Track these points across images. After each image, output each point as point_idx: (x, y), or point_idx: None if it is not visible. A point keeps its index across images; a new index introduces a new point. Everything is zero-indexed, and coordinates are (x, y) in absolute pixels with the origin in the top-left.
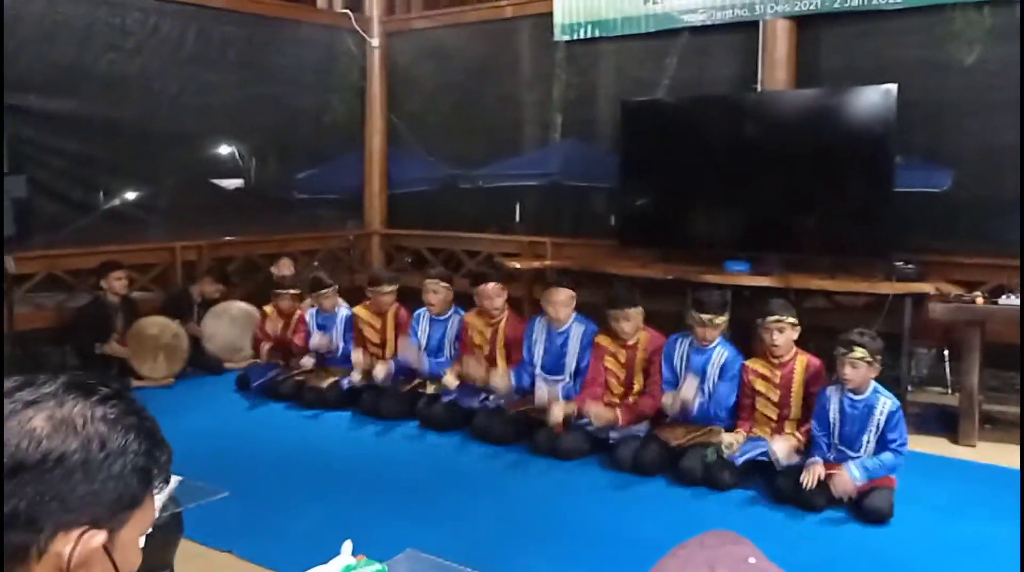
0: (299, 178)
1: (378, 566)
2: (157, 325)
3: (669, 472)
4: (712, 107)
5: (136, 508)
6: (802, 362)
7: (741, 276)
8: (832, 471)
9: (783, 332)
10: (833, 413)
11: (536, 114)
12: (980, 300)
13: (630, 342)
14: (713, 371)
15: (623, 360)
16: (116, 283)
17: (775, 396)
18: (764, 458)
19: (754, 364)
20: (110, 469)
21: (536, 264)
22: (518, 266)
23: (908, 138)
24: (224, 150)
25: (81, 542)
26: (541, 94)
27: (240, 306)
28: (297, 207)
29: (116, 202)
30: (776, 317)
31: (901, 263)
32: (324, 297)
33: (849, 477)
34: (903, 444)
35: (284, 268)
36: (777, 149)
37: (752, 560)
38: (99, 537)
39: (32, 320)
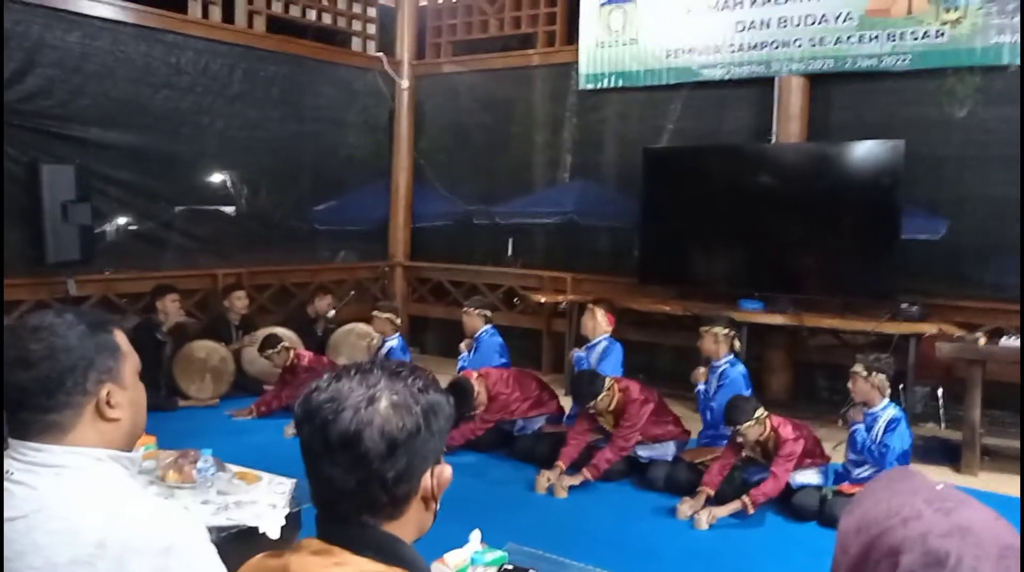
0: (329, 211)
1: (500, 553)
2: (205, 349)
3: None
4: (729, 156)
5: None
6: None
7: (755, 314)
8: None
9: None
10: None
11: (556, 156)
12: (983, 341)
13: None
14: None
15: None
16: (171, 305)
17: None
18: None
19: None
20: (439, 424)
21: (559, 298)
22: (543, 300)
23: (912, 189)
24: (264, 183)
25: (436, 474)
26: (562, 138)
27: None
28: (327, 238)
29: (164, 230)
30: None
31: (906, 305)
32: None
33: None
34: (886, 446)
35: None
36: (790, 196)
37: (940, 486)
38: (447, 469)
39: None
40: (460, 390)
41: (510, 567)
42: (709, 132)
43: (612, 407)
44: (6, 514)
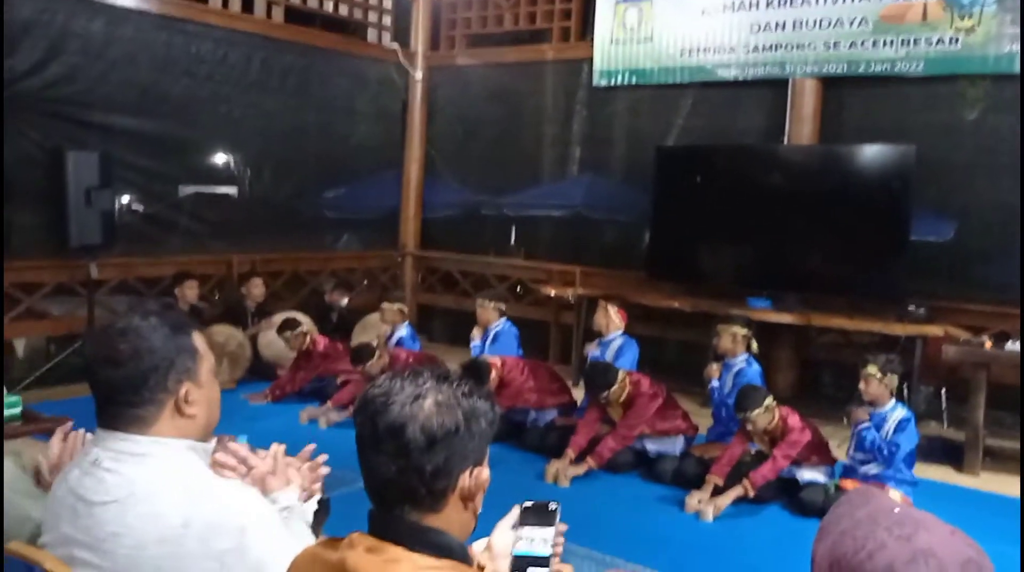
0: (340, 199)
1: None
2: (224, 333)
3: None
4: (741, 155)
5: (488, 445)
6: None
7: (763, 312)
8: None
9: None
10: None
11: (566, 150)
12: (988, 344)
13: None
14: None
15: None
16: (189, 292)
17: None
18: (785, 475)
19: None
20: (480, 427)
21: (569, 292)
22: (552, 293)
23: (922, 192)
24: (277, 170)
25: (474, 476)
26: (573, 132)
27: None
28: (338, 227)
29: (181, 216)
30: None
31: (913, 307)
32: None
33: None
34: (896, 445)
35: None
36: (801, 197)
37: (896, 509)
38: (486, 471)
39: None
40: (476, 369)
41: (530, 503)
42: (721, 131)
43: (623, 399)
44: (99, 499)
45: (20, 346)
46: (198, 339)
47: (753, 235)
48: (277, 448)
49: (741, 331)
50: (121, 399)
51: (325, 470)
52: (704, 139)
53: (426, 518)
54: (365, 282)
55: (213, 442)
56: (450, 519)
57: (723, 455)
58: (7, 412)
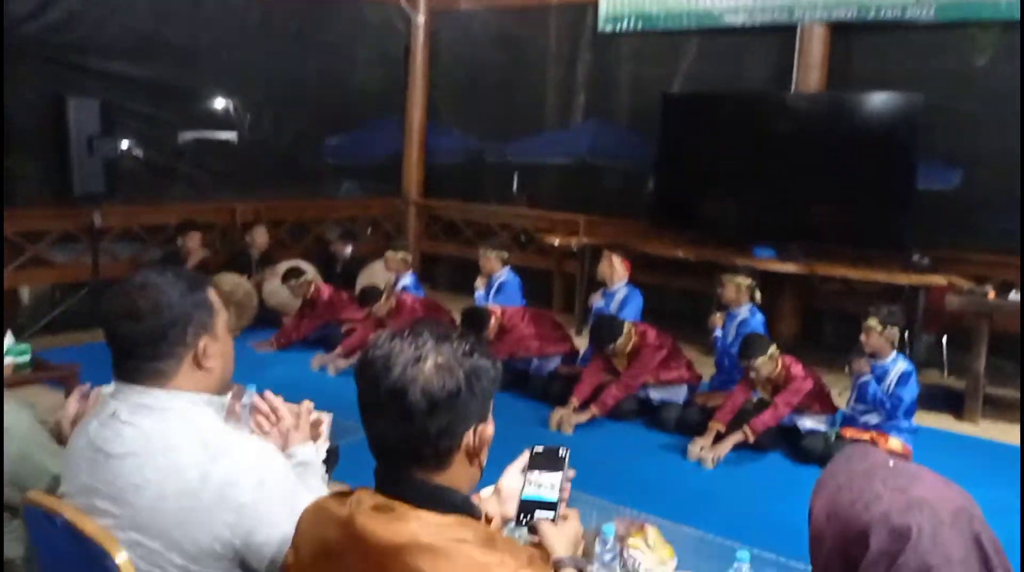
0: (343, 145)
1: None
2: (230, 282)
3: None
4: (748, 103)
5: (492, 401)
6: None
7: (767, 261)
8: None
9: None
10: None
11: (570, 97)
12: (992, 294)
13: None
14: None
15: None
16: (191, 243)
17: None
18: (787, 423)
19: None
20: (482, 385)
21: (572, 240)
22: (556, 242)
23: (930, 140)
24: (278, 116)
25: (478, 433)
26: (577, 78)
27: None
28: (341, 174)
29: (181, 163)
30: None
31: (917, 256)
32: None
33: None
34: (900, 398)
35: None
36: (807, 145)
37: (891, 462)
38: (490, 428)
39: (111, 270)
40: (475, 316)
41: (540, 448)
42: (727, 78)
43: (628, 350)
44: (117, 451)
45: (26, 294)
46: (213, 294)
47: (758, 184)
48: (306, 405)
49: (745, 282)
50: (140, 353)
51: (325, 421)
52: (710, 86)
53: (432, 476)
54: (369, 230)
55: (229, 396)
56: (456, 475)
57: (726, 403)
58: (18, 360)
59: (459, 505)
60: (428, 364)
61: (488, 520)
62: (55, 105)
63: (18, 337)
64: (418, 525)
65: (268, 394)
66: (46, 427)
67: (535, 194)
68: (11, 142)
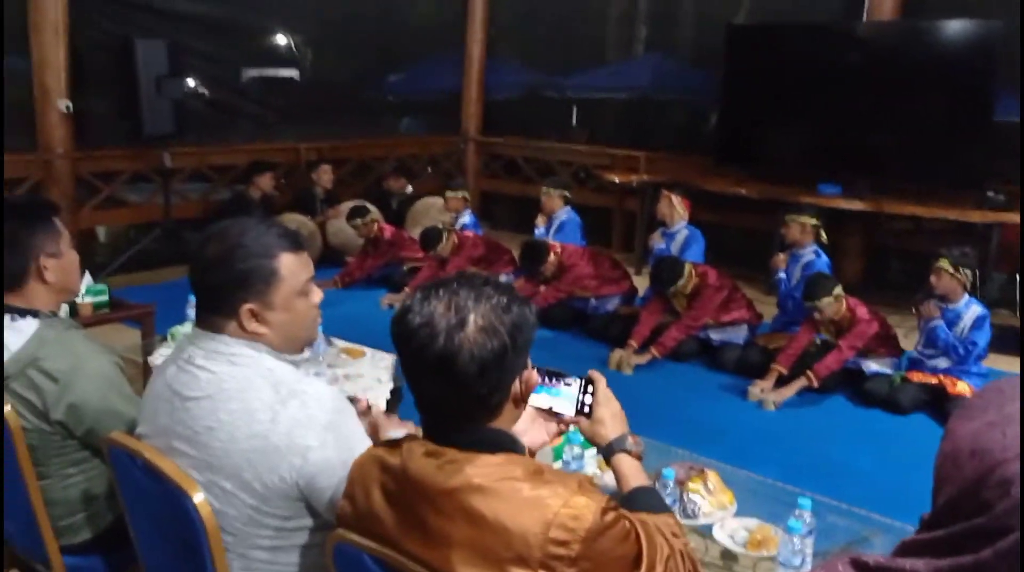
0: (403, 83)
1: None
2: (295, 222)
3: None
4: (817, 33)
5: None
6: None
7: (833, 199)
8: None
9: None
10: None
11: (631, 29)
12: None
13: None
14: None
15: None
16: (266, 183)
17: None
18: (851, 366)
19: None
20: (524, 337)
21: (632, 178)
22: (616, 179)
23: (1007, 70)
24: (340, 55)
25: (524, 380)
26: (638, 9)
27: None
28: (400, 111)
29: (246, 102)
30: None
31: (992, 193)
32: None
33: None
34: (974, 343)
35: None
36: (878, 77)
37: None
38: (534, 374)
39: (182, 210)
40: (534, 249)
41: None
42: (796, 7)
43: (688, 291)
44: (192, 394)
45: (102, 233)
46: (288, 258)
47: (825, 118)
48: (408, 426)
49: (810, 221)
50: (214, 306)
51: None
52: (774, 15)
53: (481, 424)
54: (429, 169)
55: (305, 354)
56: (503, 419)
57: (789, 344)
58: (96, 300)
59: (506, 445)
60: (471, 328)
61: (531, 453)
62: (124, 47)
63: (96, 276)
64: (470, 467)
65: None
66: (124, 367)
67: (595, 130)
68: (83, 84)
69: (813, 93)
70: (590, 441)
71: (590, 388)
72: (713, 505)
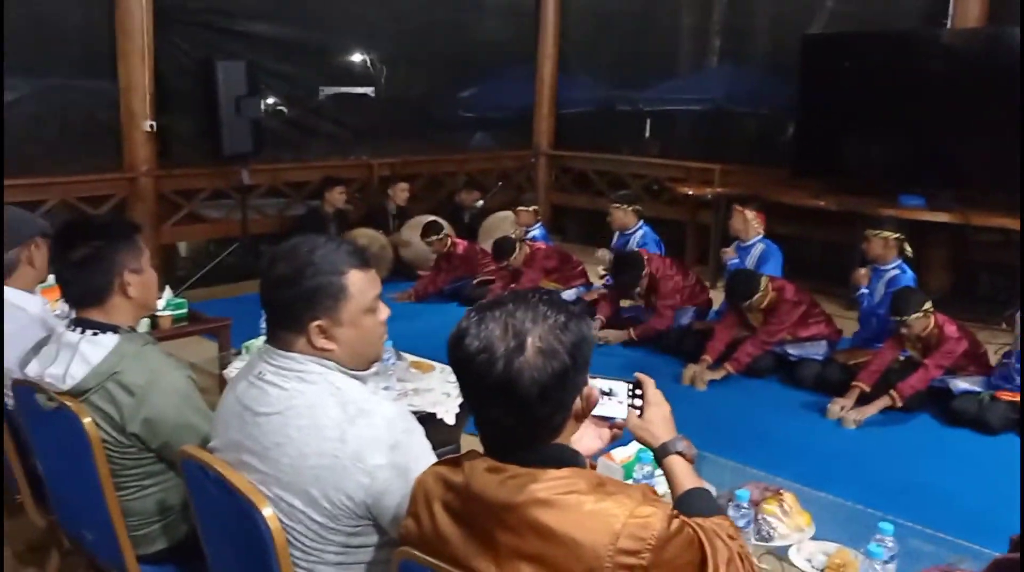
0: (475, 98)
1: None
2: (367, 236)
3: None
4: (897, 42)
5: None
6: None
7: (916, 210)
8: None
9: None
10: None
11: (704, 40)
12: None
13: None
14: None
15: None
16: (337, 197)
17: None
18: (937, 384)
19: None
20: (583, 355)
21: (707, 190)
22: (690, 192)
23: None
24: (411, 71)
25: (584, 397)
26: (712, 20)
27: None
28: (472, 126)
29: (320, 120)
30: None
31: None
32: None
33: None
34: None
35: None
36: (962, 84)
37: None
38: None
39: (259, 225)
40: (631, 262)
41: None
42: (873, 15)
43: (764, 305)
44: (262, 409)
45: (183, 249)
46: (357, 276)
47: (907, 128)
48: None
49: (893, 235)
50: (283, 322)
51: None
52: (853, 25)
53: (545, 442)
54: (500, 183)
55: (373, 370)
56: (565, 435)
57: (872, 361)
58: (175, 313)
59: (568, 460)
60: (530, 351)
61: (592, 466)
62: (205, 69)
63: (176, 290)
64: (533, 482)
65: None
66: (197, 382)
67: (667, 142)
68: (166, 105)
69: (894, 102)
70: (640, 442)
71: (638, 391)
72: (789, 527)
